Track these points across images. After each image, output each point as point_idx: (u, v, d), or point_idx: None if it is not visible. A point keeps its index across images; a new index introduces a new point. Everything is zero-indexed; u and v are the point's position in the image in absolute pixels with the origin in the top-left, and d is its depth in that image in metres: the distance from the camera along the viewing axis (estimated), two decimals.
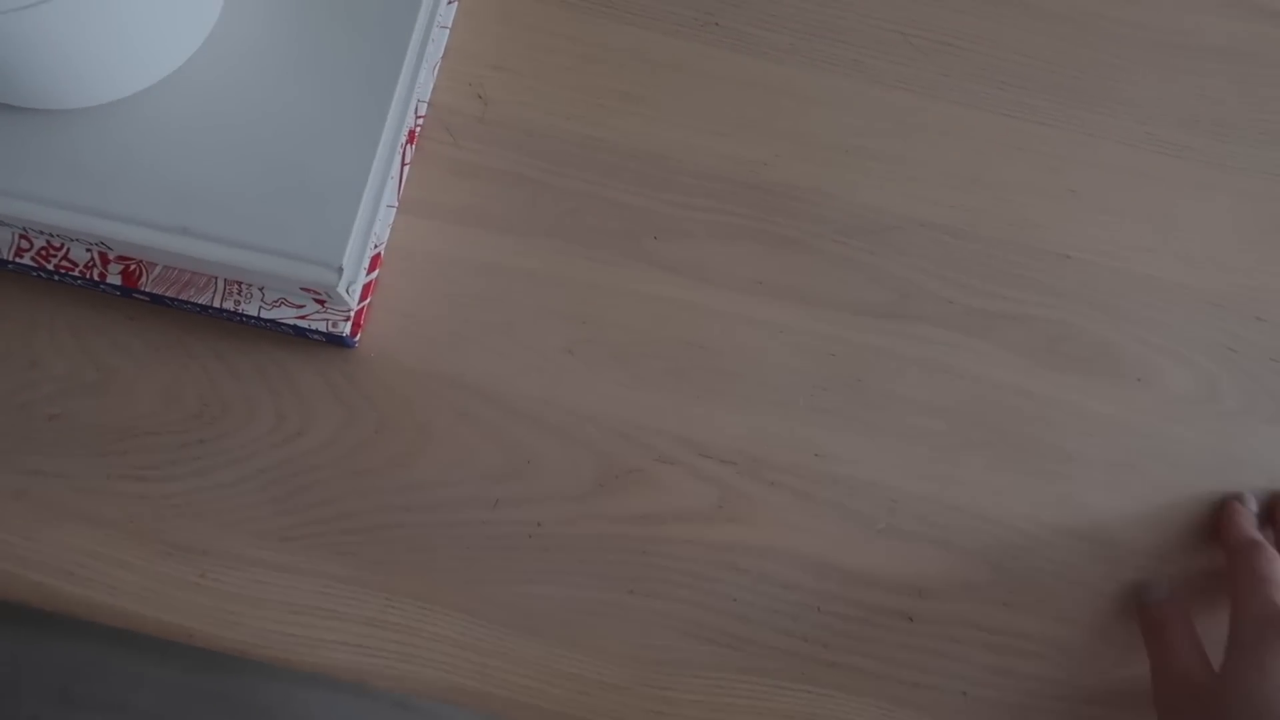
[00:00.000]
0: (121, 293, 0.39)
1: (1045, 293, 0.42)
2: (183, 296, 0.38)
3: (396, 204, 0.41)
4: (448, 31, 0.43)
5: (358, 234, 0.36)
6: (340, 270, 0.36)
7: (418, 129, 0.42)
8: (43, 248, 0.38)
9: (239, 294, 0.38)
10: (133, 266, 0.38)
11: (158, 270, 0.38)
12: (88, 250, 0.38)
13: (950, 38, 0.45)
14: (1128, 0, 0.46)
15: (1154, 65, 0.45)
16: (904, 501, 0.40)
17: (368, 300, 0.40)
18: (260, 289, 0.38)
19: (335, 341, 0.39)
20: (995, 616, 0.39)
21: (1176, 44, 0.46)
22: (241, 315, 0.38)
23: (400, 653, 0.37)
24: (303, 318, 0.38)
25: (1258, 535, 0.38)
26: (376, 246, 0.40)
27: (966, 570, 0.39)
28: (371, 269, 0.40)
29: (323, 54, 0.38)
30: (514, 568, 0.38)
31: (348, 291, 0.37)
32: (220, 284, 0.38)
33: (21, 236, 0.38)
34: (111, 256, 0.38)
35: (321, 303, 0.38)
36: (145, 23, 0.34)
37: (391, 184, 0.39)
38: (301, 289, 0.37)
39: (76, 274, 0.38)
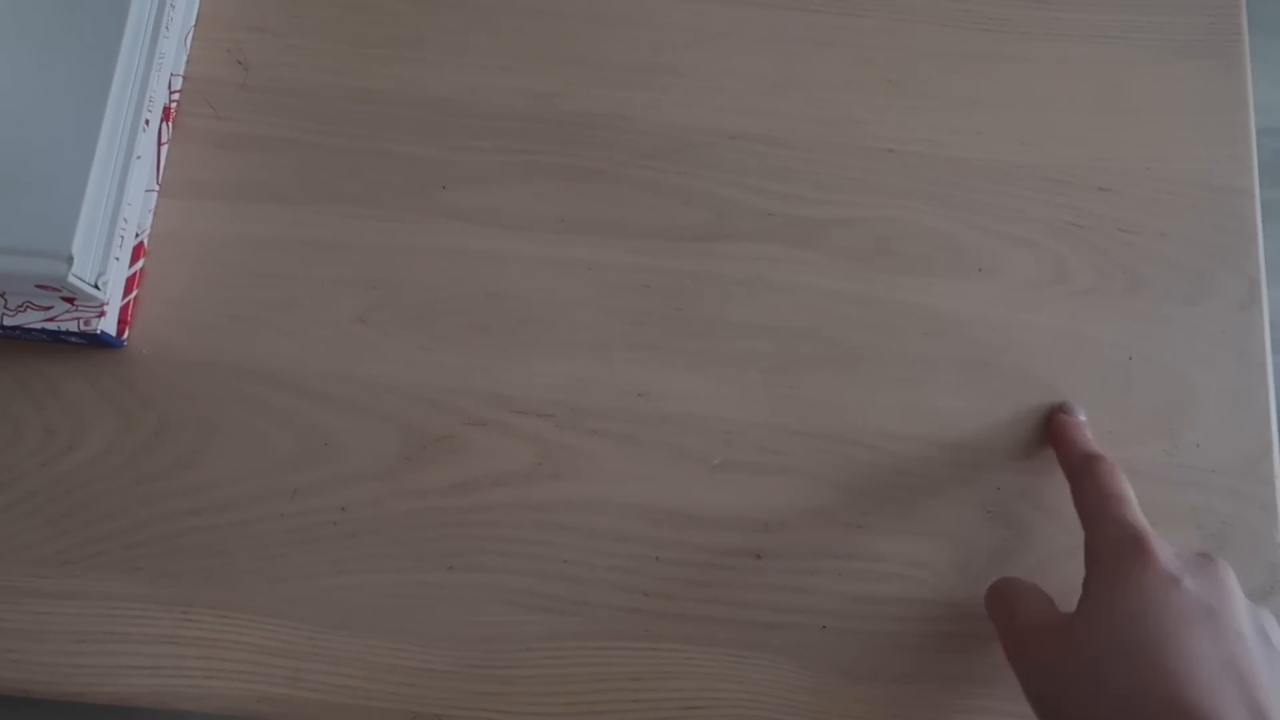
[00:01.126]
0: None
1: (871, 191, 0.39)
2: None
3: (157, 187, 0.38)
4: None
5: (88, 220, 0.33)
6: (70, 259, 0.32)
7: (173, 105, 0.38)
8: None
9: None
10: None
11: None
12: None
13: None
14: None
15: None
16: (739, 432, 0.36)
17: (134, 294, 0.36)
18: (0, 294, 0.34)
19: (98, 342, 0.35)
20: (849, 542, 0.36)
21: None
22: None
23: (203, 669, 0.34)
24: (51, 319, 0.34)
25: (1094, 448, 0.35)
26: (138, 235, 0.37)
27: (813, 496, 0.36)
28: (134, 260, 0.36)
29: (34, 28, 0.34)
30: (319, 560, 0.35)
31: (97, 285, 0.33)
32: None
33: None
34: None
35: (70, 301, 0.34)
36: None
37: (140, 165, 0.36)
38: (37, 286, 0.33)
39: None
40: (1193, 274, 0.39)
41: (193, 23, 0.40)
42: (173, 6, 0.38)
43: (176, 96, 0.39)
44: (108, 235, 0.34)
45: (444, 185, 0.38)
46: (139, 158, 0.36)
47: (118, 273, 0.35)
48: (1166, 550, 0.30)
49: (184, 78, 0.39)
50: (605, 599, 0.35)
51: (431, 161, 0.39)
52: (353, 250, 0.37)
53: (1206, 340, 0.38)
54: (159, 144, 0.38)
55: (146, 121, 0.36)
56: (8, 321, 0.34)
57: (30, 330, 0.35)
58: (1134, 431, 0.37)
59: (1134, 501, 0.32)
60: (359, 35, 0.40)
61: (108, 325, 0.35)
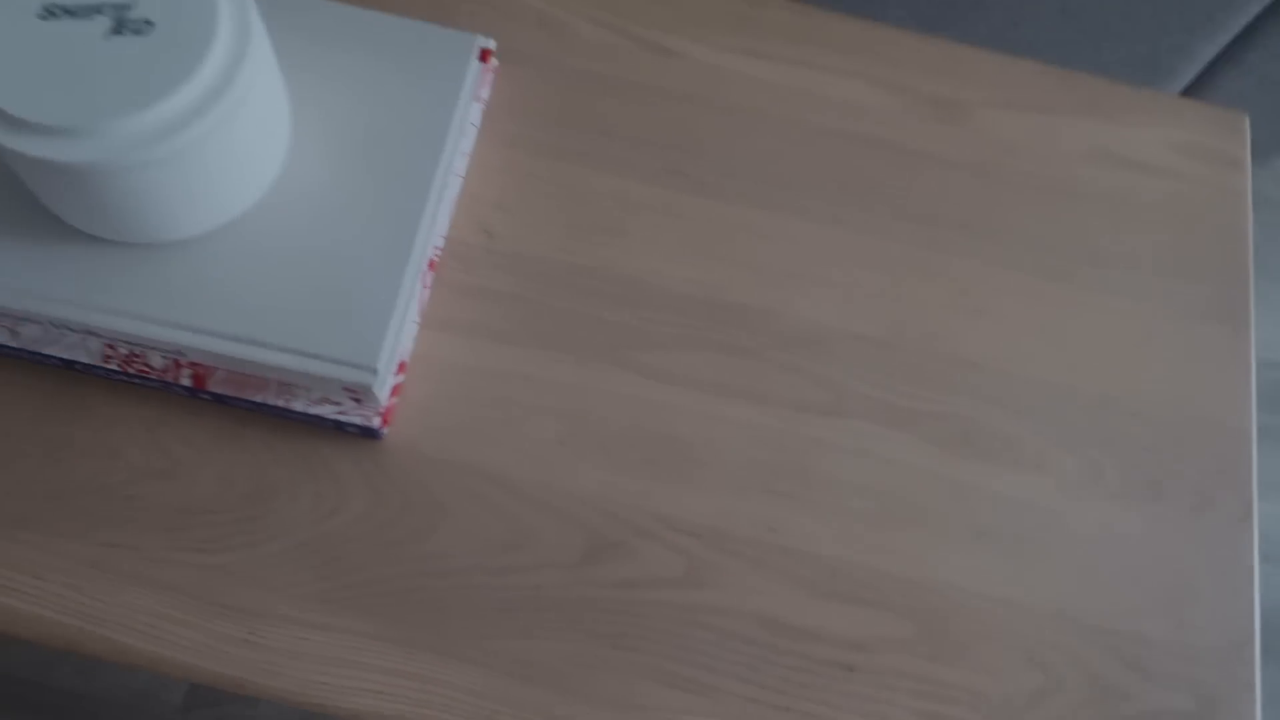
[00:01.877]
0: (189, 393, 0.46)
1: (957, 393, 0.50)
2: (241, 395, 0.45)
3: (419, 320, 0.49)
4: (461, 179, 0.52)
5: (389, 344, 0.44)
6: (376, 372, 0.43)
7: (436, 258, 0.50)
8: (126, 355, 0.45)
9: (288, 393, 0.45)
10: (201, 371, 0.45)
11: (221, 373, 0.45)
12: (164, 357, 0.45)
13: (873, 185, 0.54)
14: (1019, 154, 0.56)
15: (1041, 206, 0.55)
16: (843, 569, 0.47)
17: (394, 399, 0.47)
18: (306, 389, 0.45)
19: (367, 434, 0.46)
20: (922, 668, 0.46)
21: (1059, 189, 0.55)
22: (289, 411, 0.45)
23: (418, 699, 0.43)
24: (341, 414, 0.45)
25: None
26: (401, 355, 0.48)
27: (897, 627, 0.46)
28: (398, 373, 0.47)
29: (362, 198, 0.46)
30: (515, 625, 0.44)
31: (380, 391, 0.44)
32: (273, 385, 0.45)
33: (109, 346, 0.45)
34: (184, 362, 0.45)
35: (357, 400, 0.45)
36: (227, 177, 0.42)
37: (415, 304, 0.47)
38: (343, 388, 0.44)
39: (153, 377, 0.45)
40: (1200, 491, 0.50)
41: (455, 197, 0.52)
42: (450, 187, 0.50)
43: (439, 252, 0.50)
44: (393, 355, 0.45)
45: (631, 345, 0.50)
46: (415, 298, 0.47)
47: (388, 383, 0.46)
48: None
49: (445, 238, 0.51)
50: (731, 687, 0.44)
51: (623, 326, 0.50)
52: (558, 388, 0.48)
53: (1209, 544, 0.49)
54: (424, 287, 0.49)
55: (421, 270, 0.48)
56: (309, 410, 0.45)
57: (323, 419, 0.45)
58: (1148, 607, 0.47)
59: None
60: (577, 221, 0.52)
61: (376, 422, 0.46)
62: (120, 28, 0.39)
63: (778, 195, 0.53)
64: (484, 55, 0.51)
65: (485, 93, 0.53)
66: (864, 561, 0.47)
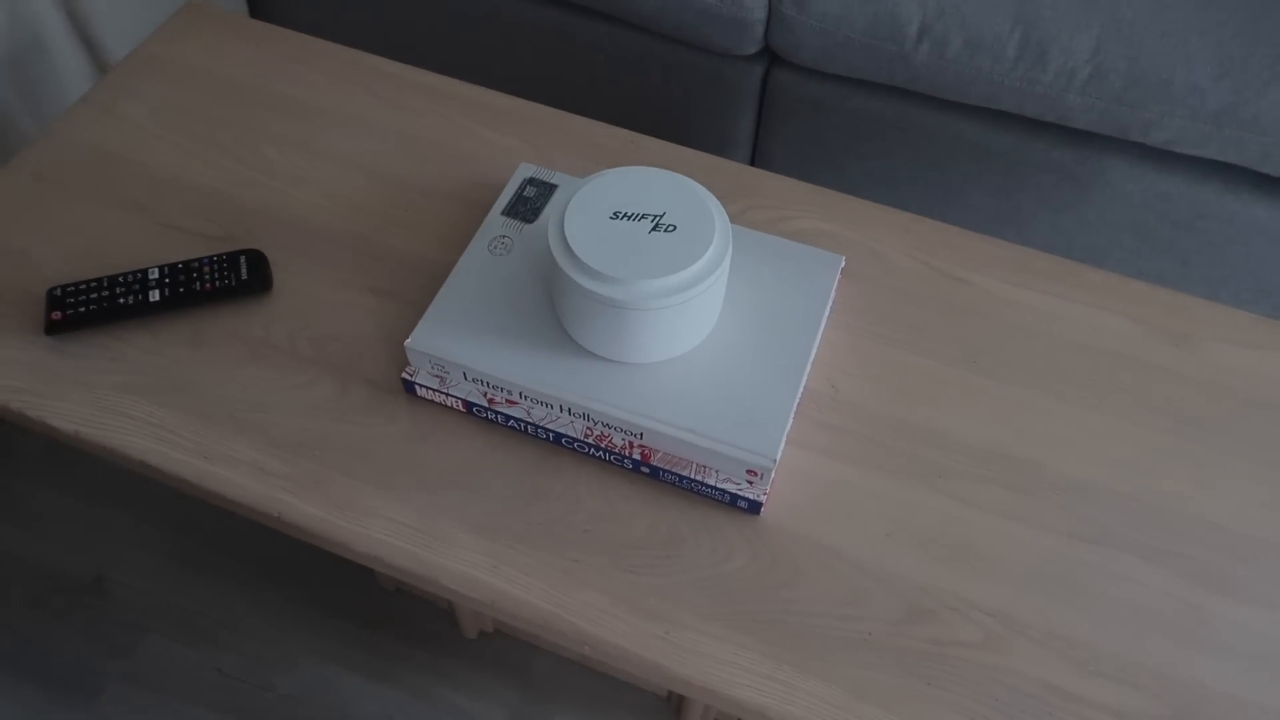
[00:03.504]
0: (634, 465, 0.65)
1: (1197, 542, 0.64)
2: (671, 469, 0.64)
3: (786, 437, 0.68)
4: (816, 350, 0.72)
5: (782, 443, 0.63)
6: (775, 460, 0.62)
7: (800, 399, 0.70)
8: (599, 434, 0.65)
9: (703, 472, 0.64)
10: (646, 451, 0.65)
11: (660, 454, 0.65)
12: (624, 438, 0.65)
13: (1117, 385, 0.71)
14: (1236, 375, 0.72)
15: (1254, 417, 0.70)
16: (1106, 655, 0.59)
17: (770, 486, 0.65)
18: (716, 470, 0.64)
19: (752, 508, 0.64)
20: None
21: (1268, 403, 0.70)
22: (702, 485, 0.64)
23: (783, 698, 0.58)
24: (738, 490, 0.64)
25: None
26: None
27: (1153, 706, 0.58)
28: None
29: (764, 351, 0.67)
30: (854, 658, 0.59)
31: (771, 477, 0.63)
32: (694, 465, 0.64)
33: (588, 427, 0.66)
34: (636, 444, 0.65)
35: (751, 481, 0.64)
36: (690, 325, 0.64)
37: (789, 424, 0.66)
38: (746, 470, 0.63)
39: (615, 452, 0.65)
40: None
41: (812, 361, 0.72)
42: (821, 335, 0.70)
43: (801, 393, 0.70)
44: (782, 449, 0.64)
45: (939, 475, 0.66)
46: (789, 420, 0.66)
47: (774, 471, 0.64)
48: None
49: (805, 386, 0.71)
50: None
51: (933, 461, 0.67)
52: (885, 498, 0.65)
53: None
54: (793, 414, 0.68)
55: None
56: (717, 484, 0.64)
57: (724, 492, 0.64)
58: None
59: None
60: (898, 386, 0.71)
61: (762, 498, 0.64)
62: (657, 228, 0.63)
63: (1042, 383, 0.71)
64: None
65: (835, 293, 0.74)
66: (1124, 654, 0.60)
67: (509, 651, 1.03)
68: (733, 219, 0.79)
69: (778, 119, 1.14)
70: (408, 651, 1.02)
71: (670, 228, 0.63)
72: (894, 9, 0.97)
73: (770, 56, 1.11)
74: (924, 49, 0.97)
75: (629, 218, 0.63)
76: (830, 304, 0.72)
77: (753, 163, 1.22)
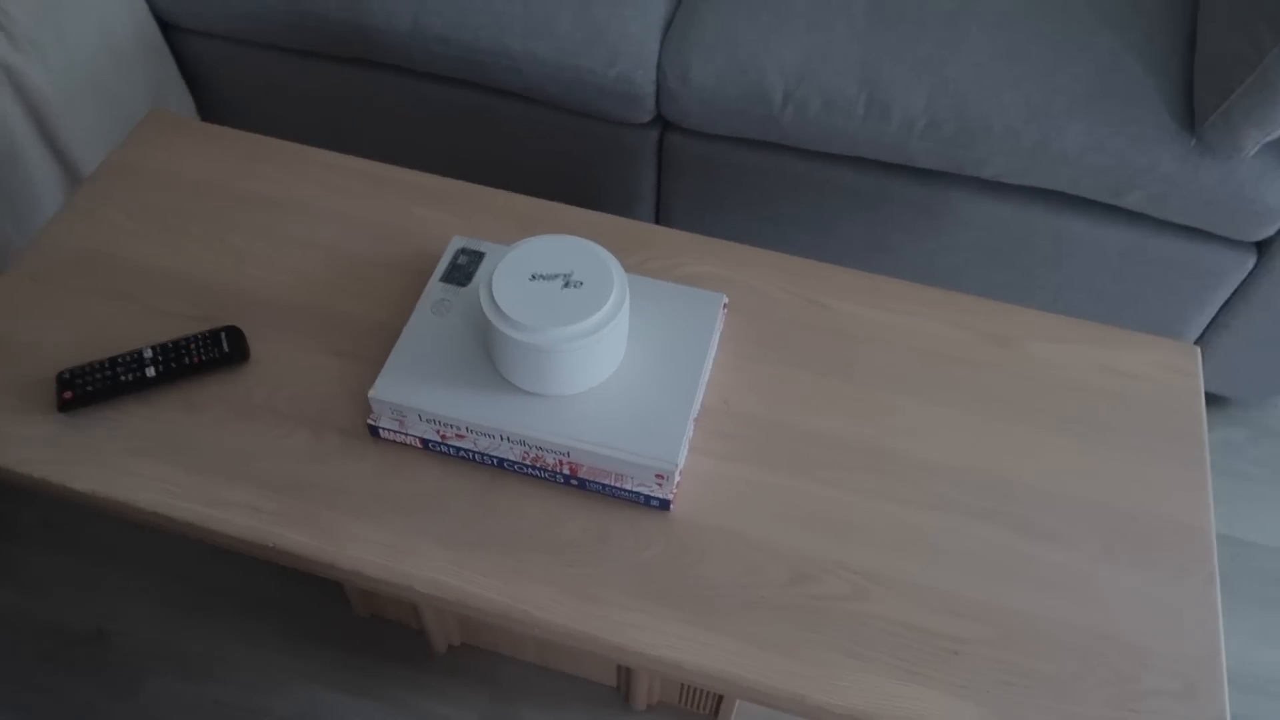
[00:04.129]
0: (564, 479, 0.79)
1: (1017, 501, 0.80)
2: (595, 479, 0.78)
3: (687, 445, 0.82)
4: (709, 372, 0.87)
5: (682, 451, 0.77)
6: (676, 464, 0.76)
7: (696, 416, 0.84)
8: (535, 456, 0.79)
9: (622, 479, 0.78)
10: (574, 466, 0.79)
11: (585, 467, 0.79)
12: (554, 457, 0.79)
13: (956, 382, 0.87)
14: (1049, 367, 0.88)
15: (1065, 395, 0.86)
16: (949, 598, 0.75)
17: (675, 489, 0.79)
18: (632, 477, 0.78)
19: (663, 505, 0.78)
20: (1003, 656, 0.72)
21: (1075, 386, 0.87)
22: (621, 490, 0.78)
23: (698, 652, 0.72)
24: (651, 492, 0.78)
25: None
26: (680, 465, 0.81)
27: (985, 630, 0.73)
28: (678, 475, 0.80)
29: (664, 379, 0.82)
30: (752, 615, 0.73)
31: (675, 477, 0.77)
32: (613, 474, 0.79)
33: (525, 451, 0.79)
34: (565, 461, 0.79)
35: (660, 484, 0.78)
36: (598, 362, 0.79)
37: (689, 436, 0.81)
38: (655, 475, 0.77)
39: (548, 469, 0.79)
40: (1180, 563, 0.77)
41: (706, 381, 0.87)
42: (707, 372, 0.85)
43: (698, 411, 0.85)
44: (681, 457, 0.78)
45: (814, 465, 0.82)
46: (689, 431, 0.81)
47: (677, 475, 0.79)
48: None
49: (702, 404, 0.85)
50: (882, 659, 0.72)
51: (807, 455, 0.82)
52: (772, 488, 0.80)
53: (1187, 599, 0.75)
54: (693, 425, 0.83)
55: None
56: (634, 489, 0.78)
57: (639, 494, 0.78)
58: (1147, 630, 0.73)
59: None
60: (777, 396, 0.86)
61: (670, 497, 0.78)
62: (567, 285, 0.77)
63: (894, 385, 0.87)
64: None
65: (721, 325, 0.90)
66: (962, 594, 0.75)
67: (476, 661, 1.15)
68: (633, 269, 0.94)
69: (675, 176, 1.30)
70: (385, 669, 1.14)
71: (578, 284, 0.77)
72: (760, 80, 1.13)
73: (664, 123, 1.26)
74: (789, 112, 1.14)
75: (544, 278, 0.77)
76: (718, 334, 0.87)
77: (657, 215, 1.38)
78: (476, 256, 0.89)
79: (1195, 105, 1.05)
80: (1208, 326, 1.25)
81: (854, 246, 1.29)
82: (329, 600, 1.18)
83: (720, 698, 1.09)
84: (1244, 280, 1.17)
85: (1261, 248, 1.14)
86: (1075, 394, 0.87)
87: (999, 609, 0.74)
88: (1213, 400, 1.39)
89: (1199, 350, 0.91)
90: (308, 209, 0.98)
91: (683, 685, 1.09)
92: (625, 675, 1.10)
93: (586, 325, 0.75)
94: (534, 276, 0.78)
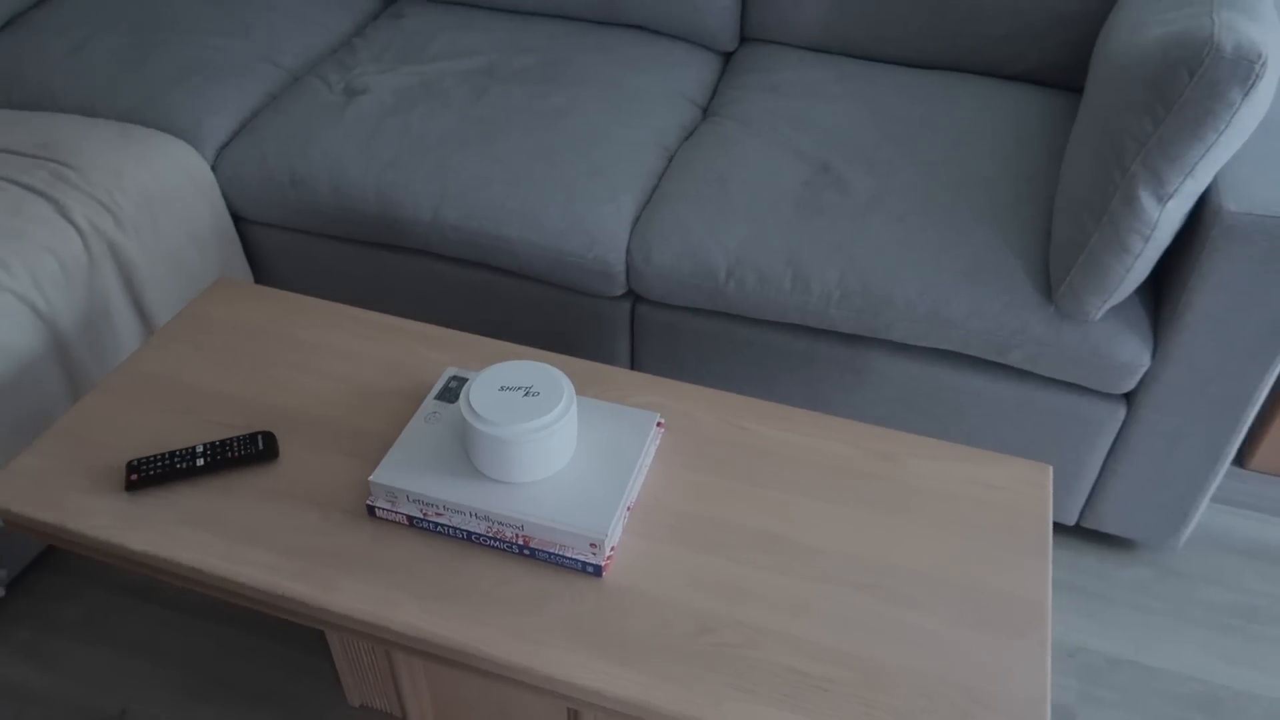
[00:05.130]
0: (519, 549, 0.98)
1: (885, 575, 0.97)
2: (544, 549, 0.97)
3: (620, 526, 1.01)
4: (645, 477, 1.07)
5: (613, 528, 0.96)
6: (606, 534, 0.95)
7: (630, 506, 1.03)
8: (496, 530, 0.98)
9: (565, 549, 0.97)
10: (526, 538, 0.98)
11: (536, 539, 0.98)
12: (511, 531, 0.98)
13: (847, 488, 1.06)
14: (924, 477, 1.07)
15: (936, 500, 1.05)
16: (819, 644, 0.91)
17: (609, 560, 0.97)
18: (573, 547, 0.97)
19: (597, 571, 0.96)
20: (864, 694, 0.87)
21: (945, 493, 1.06)
22: (563, 558, 0.97)
23: (612, 681, 0.88)
24: (587, 559, 0.96)
25: None
26: (613, 542, 0.99)
27: (843, 673, 0.89)
28: (611, 551, 0.98)
29: (606, 471, 1.02)
30: (661, 657, 0.90)
31: (606, 546, 0.96)
32: (558, 544, 0.97)
33: (489, 526, 0.99)
34: (520, 535, 0.98)
35: (594, 552, 0.96)
36: (550, 456, 0.99)
37: (623, 523, 1.00)
38: (589, 544, 0.96)
39: (506, 540, 0.98)
40: (1014, 624, 0.92)
41: (642, 483, 1.06)
42: (643, 477, 1.05)
43: (632, 504, 1.04)
44: (614, 533, 0.97)
45: (723, 549, 1.00)
46: (623, 513, 1.00)
47: (608, 547, 0.97)
48: None
49: (636, 501, 1.05)
50: (768, 693, 0.87)
51: (717, 540, 1.01)
52: (691, 562, 0.98)
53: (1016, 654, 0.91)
54: (625, 518, 1.02)
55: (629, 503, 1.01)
56: (573, 557, 0.96)
57: (577, 561, 0.96)
58: (978, 675, 0.88)
59: None
60: (702, 496, 1.05)
61: (603, 564, 0.96)
62: (527, 394, 0.99)
63: (795, 489, 1.06)
64: (659, 424, 1.09)
65: (657, 438, 1.10)
66: (837, 646, 0.91)
67: None
68: (590, 397, 1.16)
69: (645, 340, 1.54)
70: None
71: (536, 394, 0.99)
72: (708, 260, 1.40)
73: (634, 295, 1.53)
74: (731, 286, 1.40)
75: (510, 389, 1.00)
76: (654, 445, 1.08)
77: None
78: (464, 381, 1.12)
79: (1051, 280, 1.29)
80: (1100, 471, 1.43)
81: (794, 400, 1.50)
82: (323, 691, 1.33)
83: None
84: (1120, 429, 1.37)
85: (1130, 399, 1.35)
86: (945, 499, 1.05)
87: (865, 658, 0.90)
88: (1122, 542, 1.55)
89: (1049, 468, 1.10)
90: (335, 350, 1.23)
91: None
92: None
93: (540, 422, 0.97)
94: (502, 388, 1.00)
